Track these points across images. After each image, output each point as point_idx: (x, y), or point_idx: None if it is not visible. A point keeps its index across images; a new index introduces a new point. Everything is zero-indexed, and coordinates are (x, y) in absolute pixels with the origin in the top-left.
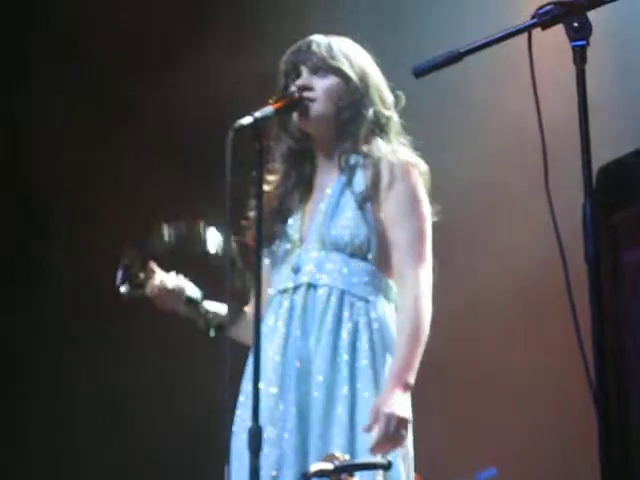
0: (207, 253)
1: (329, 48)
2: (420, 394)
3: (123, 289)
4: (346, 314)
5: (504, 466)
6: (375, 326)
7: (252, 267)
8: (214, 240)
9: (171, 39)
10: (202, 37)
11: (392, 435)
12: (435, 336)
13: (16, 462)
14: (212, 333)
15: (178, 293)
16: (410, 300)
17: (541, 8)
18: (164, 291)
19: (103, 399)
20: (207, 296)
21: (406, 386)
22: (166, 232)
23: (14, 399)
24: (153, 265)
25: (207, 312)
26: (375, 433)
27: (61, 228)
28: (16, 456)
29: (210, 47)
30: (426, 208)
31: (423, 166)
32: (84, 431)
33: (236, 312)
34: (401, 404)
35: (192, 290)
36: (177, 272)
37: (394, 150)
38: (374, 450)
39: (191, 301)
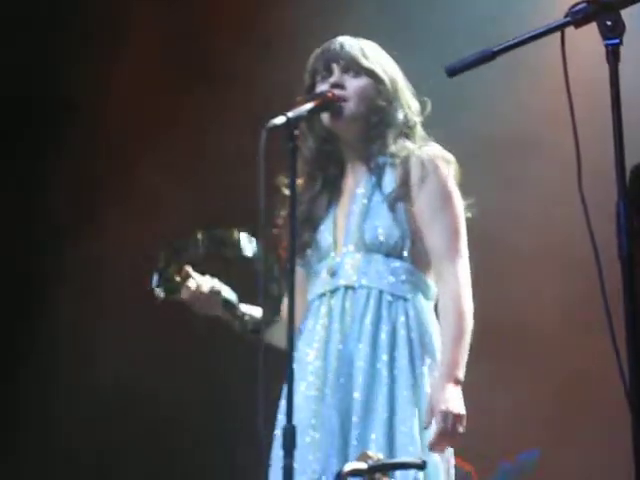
0: (243, 258)
1: (361, 49)
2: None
3: (159, 293)
4: (384, 314)
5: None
6: (413, 325)
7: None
8: (249, 245)
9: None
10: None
11: (450, 431)
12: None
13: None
14: (249, 336)
15: (214, 296)
16: (451, 296)
17: (574, 6)
18: (200, 295)
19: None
20: (243, 301)
21: (457, 382)
22: (201, 238)
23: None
24: (189, 269)
25: (243, 314)
26: (432, 430)
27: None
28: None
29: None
30: (459, 202)
31: (452, 158)
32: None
33: (271, 315)
34: (455, 400)
35: (228, 293)
36: (212, 276)
37: (422, 147)
38: (432, 447)
39: (227, 303)
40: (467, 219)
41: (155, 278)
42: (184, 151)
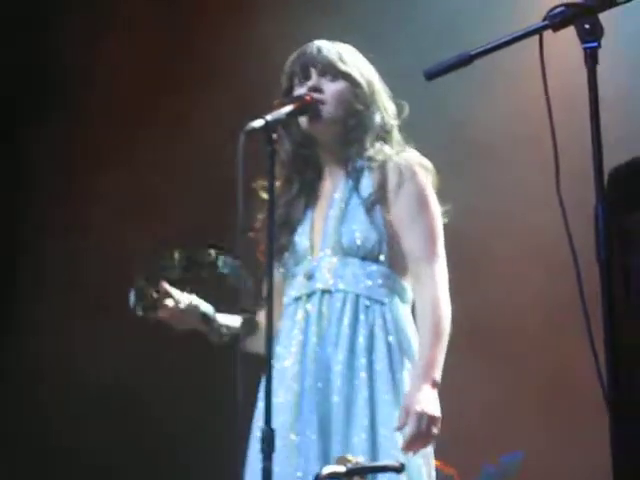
0: (219, 275)
1: (339, 53)
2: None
3: (137, 311)
4: (362, 318)
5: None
6: (391, 328)
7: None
8: (225, 262)
9: None
10: None
11: (424, 433)
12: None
13: None
14: (226, 344)
15: (192, 312)
16: (428, 298)
17: (552, 10)
18: (178, 312)
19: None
20: (218, 310)
21: (434, 383)
22: (178, 258)
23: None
24: (165, 286)
25: (220, 326)
26: (406, 432)
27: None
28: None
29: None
30: (435, 207)
31: (430, 165)
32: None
33: (250, 325)
34: (431, 401)
35: (205, 307)
36: (189, 291)
37: (399, 152)
38: (405, 449)
39: (205, 317)
40: (446, 224)
41: (132, 297)
42: (166, 150)
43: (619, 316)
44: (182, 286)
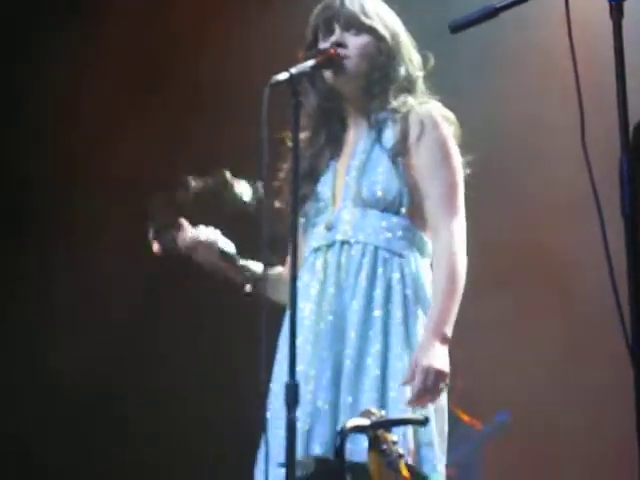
0: (237, 202)
1: (361, 6)
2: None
3: (156, 247)
4: (380, 271)
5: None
6: (409, 282)
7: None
8: (243, 189)
9: None
10: None
11: (430, 388)
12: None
13: None
14: (248, 288)
15: (211, 245)
16: (444, 253)
17: None
18: (196, 244)
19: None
20: (240, 251)
21: (444, 339)
22: (192, 183)
23: None
24: (182, 220)
25: (242, 267)
26: (413, 386)
27: None
28: None
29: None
30: (457, 160)
31: (453, 118)
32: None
33: (270, 264)
34: (439, 357)
35: (225, 243)
36: (208, 226)
37: (423, 103)
38: (411, 403)
39: (224, 253)
40: (465, 176)
41: (151, 232)
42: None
43: None
44: (201, 221)
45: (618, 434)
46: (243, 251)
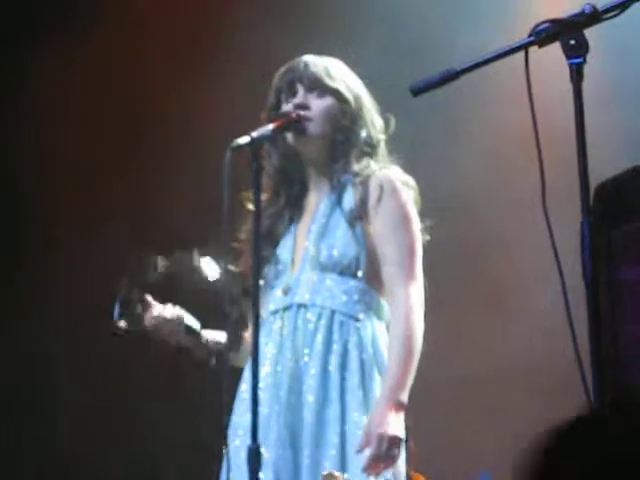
0: (203, 282)
1: (326, 68)
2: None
3: (121, 324)
4: (336, 335)
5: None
6: (365, 345)
7: (247, 293)
8: (209, 268)
9: None
10: None
11: (384, 455)
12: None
13: None
14: (213, 362)
15: (177, 323)
16: (401, 317)
17: (538, 25)
18: (162, 322)
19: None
20: (205, 326)
21: (398, 405)
22: (159, 264)
23: None
24: (149, 298)
25: (207, 341)
26: (367, 453)
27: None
28: None
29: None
30: (416, 225)
31: (413, 183)
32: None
33: (235, 338)
34: (393, 423)
35: (190, 320)
36: (173, 304)
37: (383, 168)
38: (367, 470)
39: (190, 330)
40: (424, 242)
41: (117, 309)
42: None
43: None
44: (166, 299)
45: None
46: (208, 323)
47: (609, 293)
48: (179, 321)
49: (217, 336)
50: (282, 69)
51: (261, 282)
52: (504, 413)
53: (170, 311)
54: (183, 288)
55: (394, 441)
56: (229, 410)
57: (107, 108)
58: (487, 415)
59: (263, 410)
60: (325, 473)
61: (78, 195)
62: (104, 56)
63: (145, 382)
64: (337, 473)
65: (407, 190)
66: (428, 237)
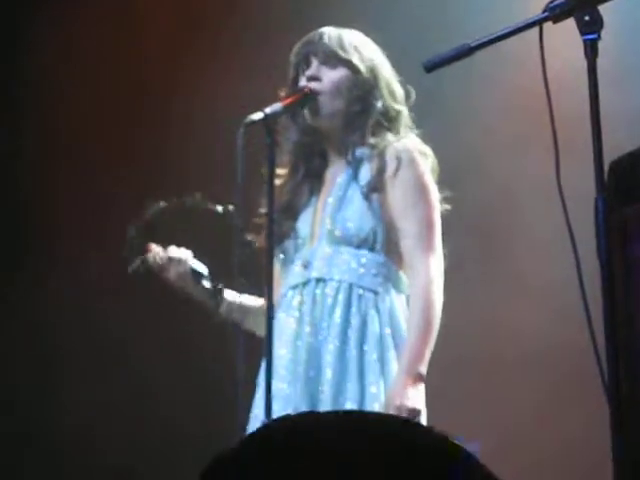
0: (212, 211)
1: (340, 40)
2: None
3: (129, 268)
4: (354, 309)
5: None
6: (384, 318)
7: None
8: (216, 208)
9: None
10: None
11: None
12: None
13: None
14: (221, 316)
15: (182, 262)
16: (420, 289)
17: (552, 2)
18: (168, 261)
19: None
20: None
21: (417, 377)
22: (167, 204)
23: None
24: (153, 244)
25: (215, 287)
26: None
27: None
28: None
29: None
30: (434, 196)
31: (429, 151)
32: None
33: (243, 288)
34: (412, 395)
35: (196, 263)
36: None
37: (400, 139)
38: None
39: (195, 273)
40: (443, 211)
41: (126, 249)
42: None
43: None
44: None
45: None
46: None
47: (623, 270)
48: (184, 261)
49: (230, 295)
50: (298, 43)
51: (282, 256)
52: (516, 391)
53: (174, 251)
54: (192, 235)
55: (413, 413)
56: (243, 381)
57: (108, 90)
58: (498, 393)
59: (283, 386)
60: None
61: (78, 180)
62: (105, 34)
63: (154, 360)
64: None
65: (425, 160)
66: (448, 207)
